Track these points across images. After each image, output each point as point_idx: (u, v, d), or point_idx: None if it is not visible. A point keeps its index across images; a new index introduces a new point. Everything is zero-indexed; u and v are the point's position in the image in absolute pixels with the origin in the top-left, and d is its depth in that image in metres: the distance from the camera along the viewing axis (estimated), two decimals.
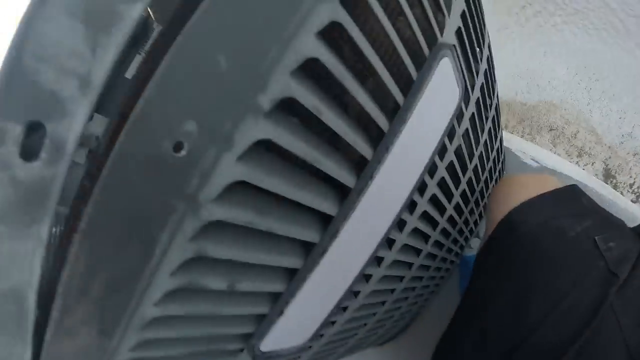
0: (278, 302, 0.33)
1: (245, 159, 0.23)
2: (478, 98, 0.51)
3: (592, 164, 1.09)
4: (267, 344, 0.36)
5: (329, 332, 0.47)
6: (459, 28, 0.37)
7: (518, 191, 0.59)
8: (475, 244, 0.96)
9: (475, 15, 0.42)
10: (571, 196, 0.57)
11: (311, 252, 0.31)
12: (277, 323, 0.34)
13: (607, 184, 1.03)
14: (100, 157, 0.21)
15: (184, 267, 0.25)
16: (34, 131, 0.19)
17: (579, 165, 1.09)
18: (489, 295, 0.55)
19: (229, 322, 0.33)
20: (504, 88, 1.22)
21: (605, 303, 0.45)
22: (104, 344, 0.27)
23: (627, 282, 0.46)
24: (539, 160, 1.03)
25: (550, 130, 1.16)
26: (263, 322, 0.34)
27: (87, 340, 0.27)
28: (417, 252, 0.56)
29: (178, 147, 0.21)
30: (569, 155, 1.12)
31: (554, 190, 0.57)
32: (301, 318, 0.37)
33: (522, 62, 1.20)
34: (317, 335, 0.43)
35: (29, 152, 0.19)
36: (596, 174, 1.07)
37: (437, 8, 0.33)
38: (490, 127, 0.63)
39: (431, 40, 0.33)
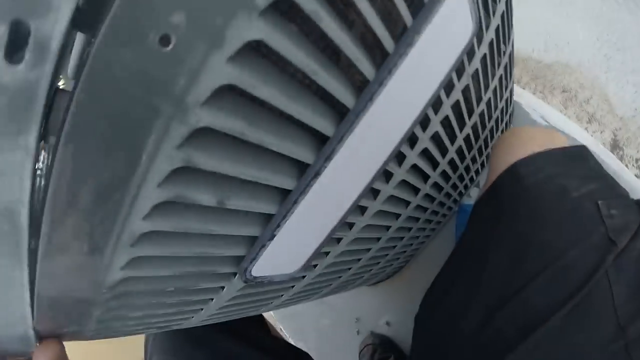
0: (269, 224, 0.32)
1: (237, 61, 0.21)
2: (492, 40, 0.49)
3: (601, 132, 1.08)
4: (259, 269, 0.36)
5: (322, 263, 0.47)
6: None
7: (526, 143, 0.57)
8: (474, 194, 0.96)
9: None
10: (580, 156, 0.56)
11: (304, 174, 0.30)
12: (268, 247, 0.34)
13: (614, 154, 1.02)
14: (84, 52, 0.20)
15: (172, 178, 0.25)
16: (17, 31, 0.18)
17: (587, 131, 1.08)
18: (485, 243, 0.55)
19: (219, 242, 0.32)
20: (521, 43, 1.19)
21: (600, 269, 0.45)
22: (95, 261, 0.27)
23: (624, 251, 0.46)
24: (548, 119, 1.01)
25: (563, 92, 1.14)
26: (254, 245, 0.34)
27: (79, 257, 0.26)
28: (415, 191, 0.56)
29: (165, 40, 0.19)
30: (579, 120, 1.11)
31: (564, 148, 0.55)
32: (293, 244, 0.37)
33: (542, 19, 1.17)
34: (310, 265, 0.42)
35: (12, 54, 0.18)
36: (604, 143, 1.06)
37: None
38: (501, 75, 0.61)
39: None
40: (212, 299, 0.42)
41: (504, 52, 0.59)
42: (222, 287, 0.40)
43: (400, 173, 0.43)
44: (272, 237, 0.33)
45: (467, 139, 0.60)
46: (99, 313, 0.32)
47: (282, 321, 1.43)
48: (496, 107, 0.69)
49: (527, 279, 0.47)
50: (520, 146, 0.57)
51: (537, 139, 0.58)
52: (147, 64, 0.20)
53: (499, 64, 0.57)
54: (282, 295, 0.52)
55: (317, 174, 0.30)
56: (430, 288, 0.66)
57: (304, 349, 1.32)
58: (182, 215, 0.28)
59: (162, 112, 0.21)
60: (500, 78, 0.61)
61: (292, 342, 1.35)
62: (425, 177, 0.55)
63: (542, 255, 0.48)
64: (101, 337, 0.39)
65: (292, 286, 0.49)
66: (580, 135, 1.01)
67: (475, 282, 0.53)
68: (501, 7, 0.48)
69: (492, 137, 0.77)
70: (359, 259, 0.60)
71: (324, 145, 0.29)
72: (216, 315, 0.47)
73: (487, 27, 0.45)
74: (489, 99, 0.60)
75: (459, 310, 0.54)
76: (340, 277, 0.62)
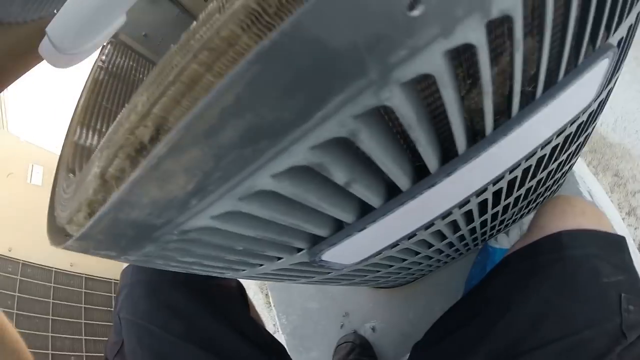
0: (366, 217, 0.33)
1: (446, 59, 0.21)
2: (593, 111, 0.50)
3: (635, 229, 1.09)
4: (329, 255, 0.38)
5: (370, 260, 0.48)
6: (622, 38, 0.37)
7: (577, 215, 0.60)
8: (501, 239, 0.99)
9: (633, 32, 0.41)
10: (619, 246, 0.58)
11: (419, 183, 0.32)
12: (351, 238, 0.34)
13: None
14: None
15: (326, 146, 0.23)
16: None
17: (623, 222, 1.09)
18: (511, 294, 0.58)
19: (314, 218, 0.32)
20: None
21: (607, 356, 0.47)
22: (190, 202, 0.25)
23: (631, 346, 0.49)
24: (593, 195, 1.02)
25: (615, 175, 1.14)
26: (341, 232, 0.34)
27: (176, 191, 0.24)
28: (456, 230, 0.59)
29: (413, 4, 0.18)
30: (619, 208, 1.11)
31: (608, 234, 0.58)
32: (367, 241, 0.37)
33: (622, 98, 1.17)
34: (364, 260, 0.45)
35: None
36: (634, 239, 1.07)
37: (622, 8, 0.32)
38: (580, 144, 0.62)
39: (596, 36, 0.31)
40: (263, 265, 0.41)
41: (587, 134, 0.60)
42: (281, 258, 0.40)
43: (441, 225, 0.46)
44: (362, 229, 0.34)
45: (516, 200, 0.63)
46: (152, 249, 0.30)
47: (272, 289, 1.46)
48: (556, 173, 0.70)
49: (541, 342, 0.50)
50: (571, 217, 0.60)
51: (587, 215, 0.60)
52: (384, 17, 0.18)
53: (582, 135, 0.58)
54: (314, 277, 0.54)
55: (432, 185, 0.32)
56: (444, 318, 0.70)
57: (284, 321, 1.36)
58: (306, 185, 0.27)
59: (367, 74, 0.20)
60: (576, 147, 0.62)
61: (275, 312, 1.39)
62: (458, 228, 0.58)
63: (561, 325, 0.51)
64: (131, 264, 0.40)
65: (329, 272, 0.52)
66: (618, 224, 1.02)
67: (490, 327, 0.55)
68: (611, 83, 0.49)
69: (538, 198, 0.78)
70: (391, 266, 0.63)
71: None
72: (253, 276, 0.49)
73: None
74: (556, 167, 0.62)
75: (466, 346, 0.57)
76: (366, 276, 0.65)
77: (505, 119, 0.30)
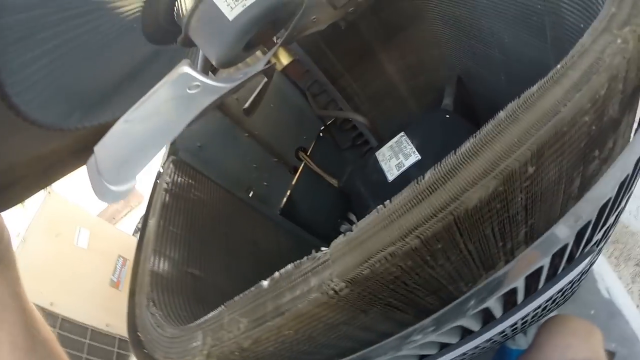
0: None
1: None
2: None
3: None
4: None
5: None
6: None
7: (568, 335, 0.70)
8: (518, 339, 1.04)
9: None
10: None
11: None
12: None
13: None
14: None
15: None
16: None
17: None
18: None
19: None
20: None
21: None
22: None
23: None
24: (611, 293, 1.07)
25: (637, 265, 1.17)
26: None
27: None
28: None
29: None
30: None
31: None
32: None
33: None
34: None
35: None
36: None
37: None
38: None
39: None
40: None
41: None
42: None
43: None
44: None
45: (535, 315, 0.71)
46: None
47: None
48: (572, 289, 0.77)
49: None
50: (564, 337, 0.70)
51: (577, 335, 0.70)
52: None
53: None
54: None
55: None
56: None
57: None
58: None
59: None
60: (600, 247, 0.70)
61: None
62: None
63: None
64: None
65: None
66: (635, 320, 1.07)
67: None
68: None
69: (559, 299, 0.85)
70: None
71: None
72: None
73: None
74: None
75: None
76: None
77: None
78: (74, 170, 0.79)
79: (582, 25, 0.64)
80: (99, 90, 0.68)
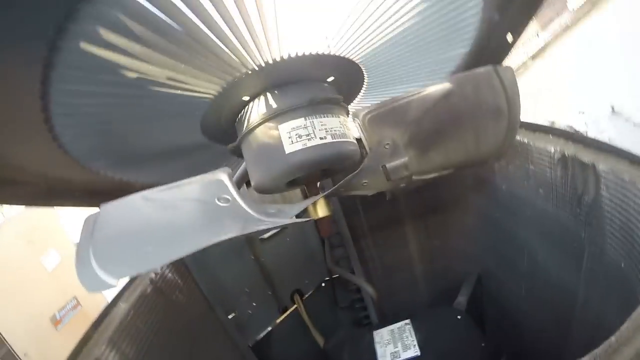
0: None
1: None
2: None
3: None
4: None
5: None
6: None
7: None
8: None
9: None
10: None
11: None
12: None
13: None
14: None
15: None
16: None
17: None
18: None
19: None
20: None
21: None
22: None
23: None
24: None
25: None
26: None
27: None
28: None
29: None
30: None
31: None
32: None
33: None
34: None
35: None
36: None
37: None
38: None
39: None
40: None
41: None
42: None
43: None
44: None
45: None
46: None
47: None
48: None
49: None
50: None
51: None
52: None
53: None
54: None
55: None
56: None
57: None
58: None
59: None
60: None
61: None
62: None
63: None
64: None
65: None
66: None
67: None
68: None
69: None
70: None
71: None
72: None
73: None
74: None
75: None
76: None
77: None
78: (76, 206, 0.78)
79: (622, 265, 0.62)
80: (135, 151, 0.68)
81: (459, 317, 0.96)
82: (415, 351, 0.88)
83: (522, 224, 0.90)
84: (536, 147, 0.78)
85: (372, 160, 0.62)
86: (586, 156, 0.67)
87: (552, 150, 0.73)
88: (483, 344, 0.86)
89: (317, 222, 0.69)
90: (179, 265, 0.92)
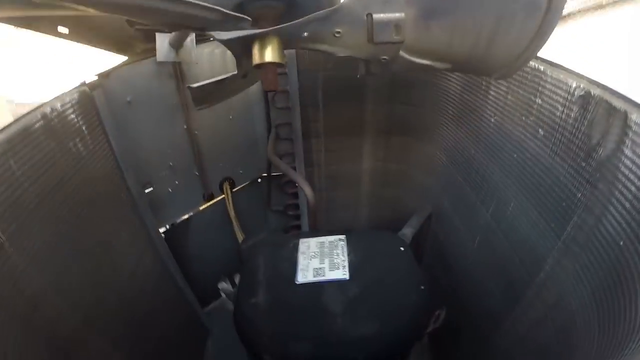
0: None
1: None
2: None
3: None
4: None
5: None
6: None
7: None
8: None
9: None
10: None
11: None
12: None
13: None
14: None
15: None
16: None
17: None
18: None
19: None
20: None
21: None
22: None
23: None
24: None
25: None
26: None
27: None
28: None
29: None
30: None
31: None
32: None
33: None
34: None
35: None
36: None
37: None
38: None
39: None
40: None
41: None
42: None
43: None
44: None
45: None
46: None
47: None
48: None
49: None
50: None
51: None
52: None
53: None
54: None
55: None
56: None
57: None
58: None
59: None
60: None
61: None
62: None
63: None
64: None
65: None
66: None
67: None
68: None
69: None
70: None
71: None
72: None
73: None
74: None
75: None
76: None
77: None
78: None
79: (621, 243, 0.50)
80: None
81: (402, 248, 0.83)
82: (343, 273, 0.75)
83: (500, 168, 0.77)
84: (553, 77, 0.63)
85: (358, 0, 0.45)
86: (617, 102, 0.53)
87: (573, 85, 0.59)
88: (422, 287, 0.74)
89: (262, 70, 0.52)
90: (89, 108, 0.73)
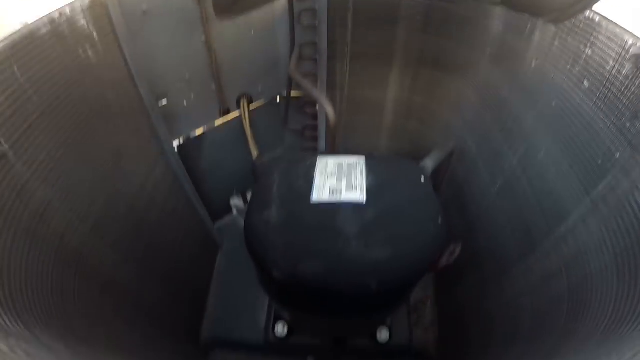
0: None
1: None
2: None
3: None
4: None
5: None
6: None
7: None
8: None
9: None
10: None
11: None
12: None
13: None
14: None
15: None
16: None
17: None
18: None
19: None
20: None
21: None
22: None
23: None
24: None
25: None
26: None
27: None
28: None
29: None
30: None
31: None
32: None
33: None
34: None
35: None
36: None
37: None
38: None
39: None
40: None
41: None
42: None
43: None
44: None
45: None
46: None
47: None
48: None
49: None
50: None
51: None
52: None
53: None
54: None
55: None
56: None
57: None
58: None
59: None
60: None
61: None
62: None
63: None
64: None
65: None
66: None
67: None
68: None
69: None
70: None
71: None
72: None
73: None
74: None
75: None
76: None
77: None
78: None
79: None
80: None
81: (422, 178, 0.80)
82: (361, 196, 0.71)
83: (535, 114, 0.72)
84: (607, 30, 0.56)
85: None
86: None
87: (630, 41, 0.52)
88: (440, 220, 0.70)
89: None
90: (101, 15, 0.68)
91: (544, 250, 0.70)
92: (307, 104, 1.22)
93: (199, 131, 1.11)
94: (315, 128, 1.27)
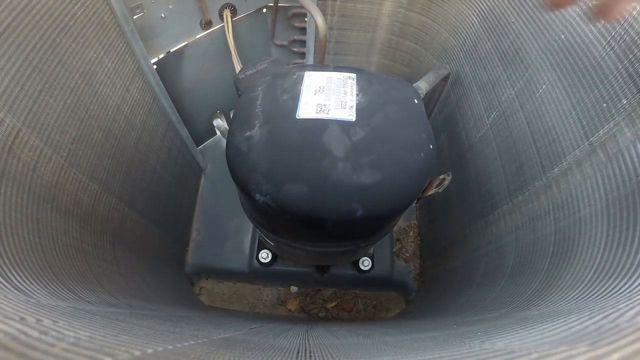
0: None
1: None
2: None
3: None
4: None
5: None
6: None
7: None
8: None
9: None
10: None
11: None
12: None
13: None
14: None
15: None
16: None
17: None
18: None
19: None
20: None
21: None
22: None
23: None
24: None
25: None
26: None
27: None
28: None
29: None
30: None
31: None
32: None
33: None
34: None
35: None
36: None
37: None
38: None
39: None
40: None
41: None
42: None
43: None
44: None
45: None
46: None
47: None
48: None
49: None
50: None
51: None
52: None
53: None
54: None
55: None
56: None
57: None
58: None
59: None
60: None
61: None
62: None
63: None
64: None
65: None
66: None
67: None
68: None
69: None
70: None
71: None
72: None
73: None
74: None
75: None
76: None
77: None
78: None
79: None
80: None
81: (415, 100, 0.75)
82: (350, 114, 0.67)
83: (541, 45, 0.67)
84: None
85: None
86: None
87: None
88: (431, 146, 0.67)
89: None
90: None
91: (534, 190, 0.68)
92: (296, 16, 1.14)
93: (178, 45, 1.03)
94: (303, 43, 1.20)
